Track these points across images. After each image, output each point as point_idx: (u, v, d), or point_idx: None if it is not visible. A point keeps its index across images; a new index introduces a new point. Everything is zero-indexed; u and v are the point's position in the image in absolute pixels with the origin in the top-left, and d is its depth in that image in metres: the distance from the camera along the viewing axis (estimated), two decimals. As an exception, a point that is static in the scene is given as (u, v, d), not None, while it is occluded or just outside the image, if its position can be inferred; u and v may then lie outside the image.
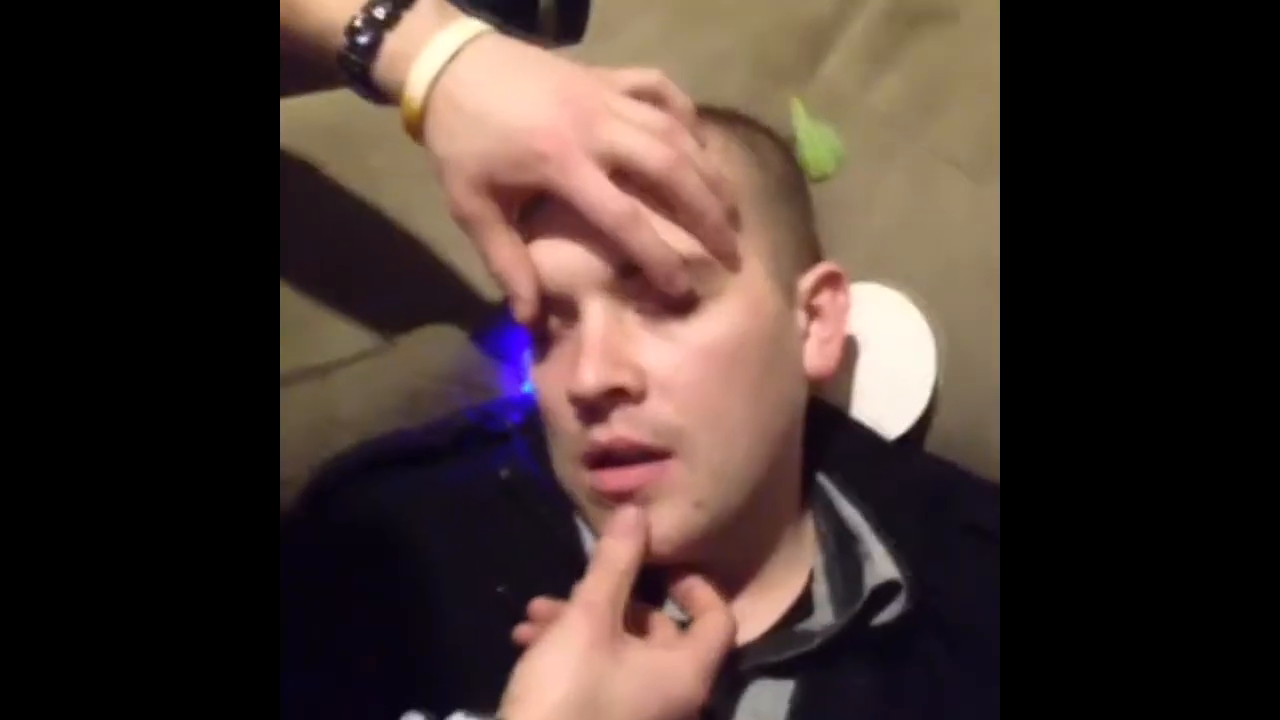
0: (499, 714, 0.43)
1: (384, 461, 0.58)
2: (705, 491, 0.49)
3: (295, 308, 0.67)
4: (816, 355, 0.54)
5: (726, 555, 0.52)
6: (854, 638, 0.51)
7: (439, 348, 0.66)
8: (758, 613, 0.53)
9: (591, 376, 0.47)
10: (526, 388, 0.63)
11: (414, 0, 0.47)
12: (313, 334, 0.66)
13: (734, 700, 0.50)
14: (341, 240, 0.69)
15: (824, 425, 0.57)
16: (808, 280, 0.54)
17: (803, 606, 0.54)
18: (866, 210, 0.63)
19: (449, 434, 0.60)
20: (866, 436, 0.59)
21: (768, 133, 0.57)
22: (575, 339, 0.49)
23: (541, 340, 0.51)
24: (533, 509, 0.54)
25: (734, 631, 0.50)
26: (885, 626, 0.51)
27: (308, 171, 0.70)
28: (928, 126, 0.64)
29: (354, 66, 0.48)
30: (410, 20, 0.47)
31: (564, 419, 0.50)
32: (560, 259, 0.49)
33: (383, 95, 0.49)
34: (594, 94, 0.47)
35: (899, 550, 0.52)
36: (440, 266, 0.69)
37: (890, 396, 0.59)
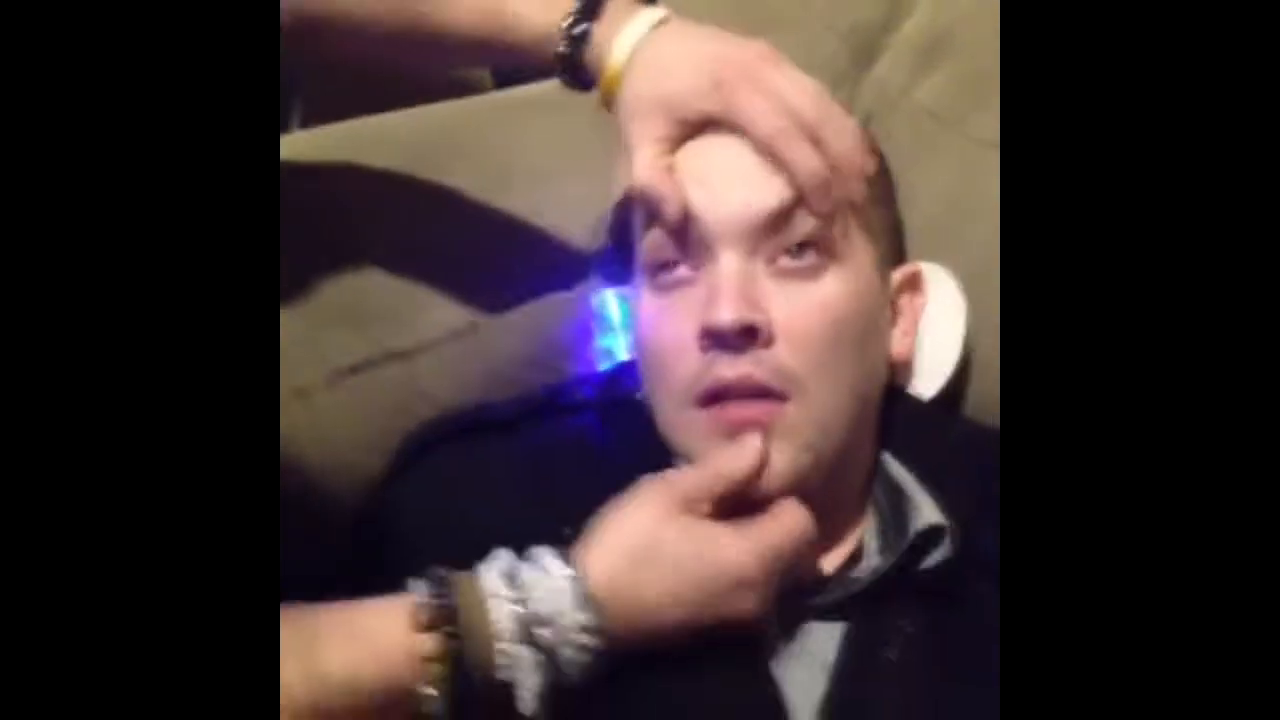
0: (573, 552, 0.50)
1: (467, 429, 0.63)
2: (813, 435, 0.54)
3: (385, 297, 0.73)
4: (899, 343, 0.59)
5: (812, 505, 0.55)
6: (902, 581, 0.54)
7: (516, 333, 0.72)
8: (819, 563, 0.57)
9: (730, 312, 0.52)
10: (601, 365, 0.68)
11: (610, 1, 0.56)
12: (401, 320, 0.73)
13: (789, 640, 0.54)
14: (426, 238, 0.75)
15: (885, 399, 0.60)
16: (896, 277, 0.60)
17: (856, 559, 0.57)
18: (914, 199, 0.67)
19: (526, 406, 0.65)
20: (916, 404, 0.62)
21: (873, 143, 0.62)
22: (705, 283, 0.54)
23: (665, 280, 0.56)
24: (610, 460, 0.58)
25: (806, 529, 0.53)
26: (933, 571, 0.54)
27: (393, 180, 0.77)
28: (972, 116, 0.68)
29: (568, 58, 0.56)
30: (611, 10, 0.56)
31: (685, 357, 0.54)
32: (711, 200, 0.54)
33: (587, 77, 0.57)
34: (767, 53, 0.55)
35: (944, 501, 0.55)
36: (516, 262, 0.74)
37: (926, 360, 0.62)
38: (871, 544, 0.58)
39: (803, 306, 0.54)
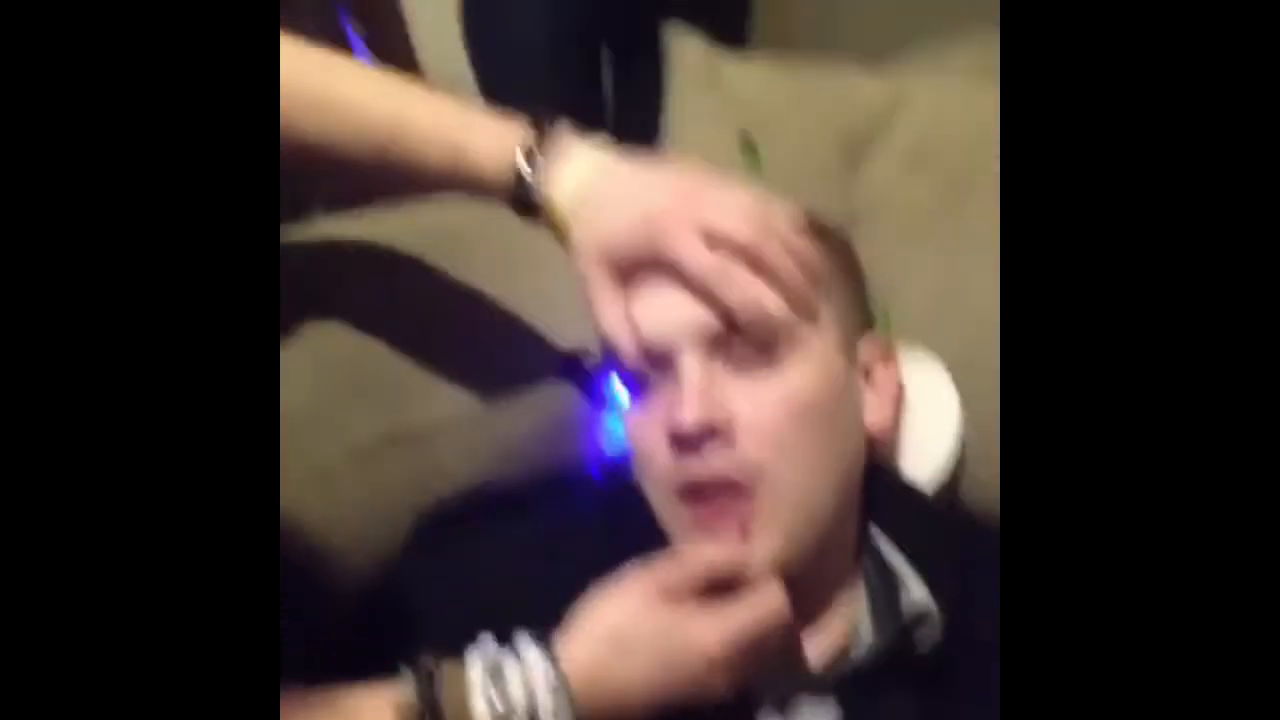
0: (552, 642, 0.53)
1: (477, 508, 0.67)
2: (790, 522, 0.56)
3: (405, 377, 0.77)
4: (873, 415, 0.62)
5: (798, 589, 0.57)
6: (894, 665, 0.57)
7: (528, 414, 0.76)
8: (812, 643, 0.59)
9: (690, 415, 0.55)
10: (606, 448, 0.72)
11: (553, 138, 0.59)
12: (420, 399, 0.77)
13: (784, 719, 0.57)
14: (442, 321, 0.80)
15: (870, 476, 0.63)
16: (865, 351, 0.62)
17: (849, 638, 0.59)
18: (901, 293, 0.71)
19: (535, 486, 0.69)
20: (908, 489, 0.65)
21: (826, 222, 0.66)
22: (671, 388, 0.57)
23: (639, 390, 0.59)
24: (613, 544, 0.60)
25: (779, 610, 0.55)
26: (924, 656, 0.57)
27: (412, 266, 0.82)
28: (954, 216, 0.73)
29: (520, 196, 0.60)
30: (553, 153, 0.59)
31: (659, 456, 0.57)
32: (662, 317, 0.57)
33: (537, 213, 0.61)
34: (696, 188, 0.58)
35: (931, 583, 0.58)
36: (531, 346, 0.79)
37: (920, 449, 0.66)
38: (865, 622, 0.60)
39: (764, 399, 0.56)
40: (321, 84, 0.63)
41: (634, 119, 0.69)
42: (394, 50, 1.46)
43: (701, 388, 0.56)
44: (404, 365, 0.77)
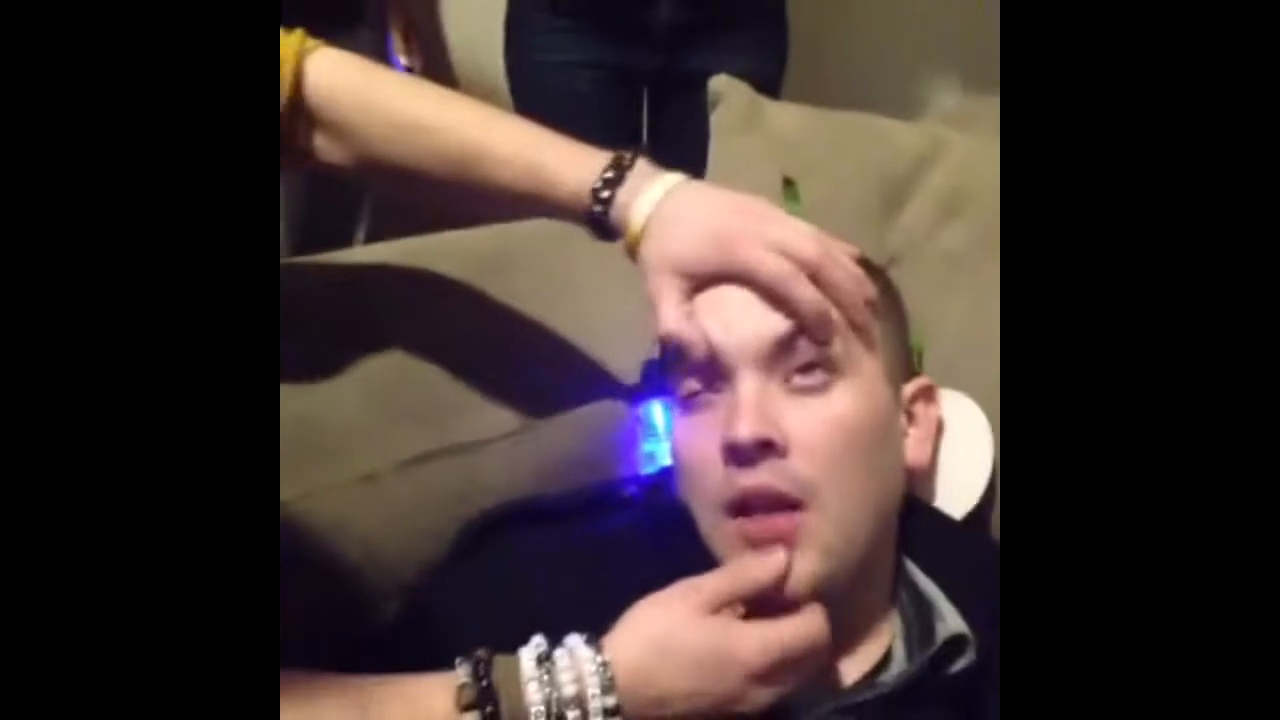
0: (601, 641, 0.55)
1: (523, 519, 0.69)
2: (834, 541, 0.58)
3: (450, 396, 0.80)
4: (914, 450, 0.65)
5: (836, 612, 0.58)
6: (927, 686, 0.58)
7: (568, 434, 0.78)
8: (848, 666, 0.61)
9: (748, 428, 0.57)
10: (644, 468, 0.75)
11: (633, 165, 0.64)
12: (464, 418, 0.79)
13: None
14: (486, 342, 0.83)
15: (906, 510, 0.65)
16: (908, 389, 0.65)
17: (884, 664, 0.62)
18: (936, 334, 0.75)
19: (577, 500, 0.71)
20: (943, 520, 0.67)
21: (873, 262, 0.69)
22: (726, 403, 0.59)
23: (693, 404, 0.62)
24: (652, 558, 0.62)
25: (821, 632, 0.57)
26: (955, 677, 0.58)
27: (457, 289, 0.85)
28: (986, 262, 0.76)
29: (597, 216, 0.64)
30: (633, 177, 0.63)
31: (711, 469, 0.59)
32: (723, 331, 0.60)
33: (610, 231, 0.65)
34: (765, 210, 0.62)
35: (968, 616, 0.60)
36: (571, 368, 0.82)
37: (954, 483, 0.68)
38: (899, 650, 0.62)
39: (815, 420, 0.59)
40: (409, 109, 0.68)
41: (672, 161, 0.73)
42: (436, 80, 1.52)
43: (758, 402, 0.58)
44: (449, 385, 0.80)
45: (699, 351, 0.60)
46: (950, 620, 0.59)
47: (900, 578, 0.64)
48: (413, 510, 0.76)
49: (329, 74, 0.69)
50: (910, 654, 0.61)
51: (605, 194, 0.63)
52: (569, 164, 0.64)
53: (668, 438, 0.73)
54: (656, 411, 0.75)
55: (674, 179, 0.64)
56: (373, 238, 1.24)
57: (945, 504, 0.68)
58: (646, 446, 0.76)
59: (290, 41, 0.69)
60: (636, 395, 0.78)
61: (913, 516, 0.65)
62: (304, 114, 0.69)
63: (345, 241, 1.20)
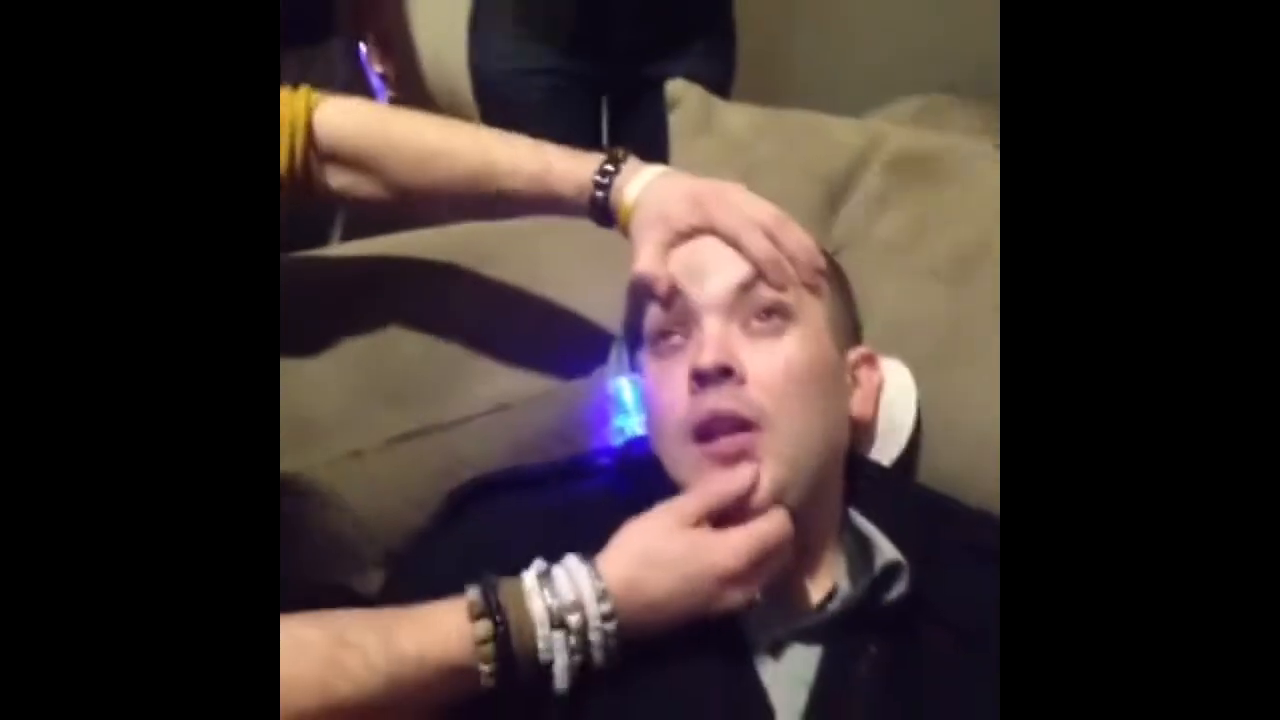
0: (594, 558, 0.63)
1: (506, 484, 0.76)
2: (789, 456, 0.66)
3: (429, 377, 0.87)
4: (858, 405, 0.74)
5: (794, 538, 0.66)
6: (868, 614, 0.66)
7: (543, 411, 0.86)
8: (802, 596, 0.69)
9: (710, 356, 0.66)
10: (617, 441, 0.82)
11: (625, 159, 0.76)
12: (444, 399, 0.86)
13: (775, 662, 0.66)
14: (464, 327, 0.89)
15: (848, 463, 0.73)
16: (852, 355, 0.74)
17: (831, 597, 0.69)
18: (869, 311, 0.83)
19: (553, 469, 0.78)
20: (876, 468, 0.75)
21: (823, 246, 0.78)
22: (692, 347, 0.68)
23: (664, 349, 0.70)
24: (625, 510, 0.68)
25: (785, 527, 0.65)
26: (893, 605, 0.66)
27: (435, 278, 0.91)
28: (917, 249, 0.85)
29: (598, 202, 0.75)
30: (625, 171, 0.75)
31: (679, 401, 0.68)
32: (694, 276, 0.70)
33: (607, 215, 0.76)
34: (731, 185, 0.74)
35: (902, 548, 0.67)
36: (540, 350, 0.89)
37: (886, 435, 0.77)
38: (844, 584, 0.70)
39: (769, 357, 0.67)
40: (425, 139, 0.80)
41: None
42: (408, 88, 1.58)
43: (720, 339, 0.67)
44: (431, 367, 0.87)
45: (663, 285, 0.69)
46: (886, 551, 0.67)
47: (845, 523, 0.72)
48: (398, 484, 0.82)
49: (346, 119, 0.80)
50: (854, 582, 0.69)
51: (604, 183, 0.75)
52: (568, 166, 0.76)
53: (636, 413, 0.81)
54: (626, 389, 0.82)
55: (659, 168, 0.76)
56: (347, 238, 1.29)
57: (877, 453, 0.77)
58: (617, 421, 0.83)
59: (297, 99, 0.79)
60: (607, 373, 0.85)
61: (854, 470, 0.74)
62: (325, 160, 0.80)
63: (321, 241, 1.26)
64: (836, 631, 0.66)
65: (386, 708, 0.60)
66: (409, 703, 0.61)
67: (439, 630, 0.61)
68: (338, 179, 0.80)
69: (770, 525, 0.65)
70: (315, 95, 0.80)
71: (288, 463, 0.76)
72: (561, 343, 0.89)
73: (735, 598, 0.63)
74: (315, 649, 0.60)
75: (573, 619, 0.61)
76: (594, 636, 0.61)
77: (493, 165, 0.77)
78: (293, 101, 0.79)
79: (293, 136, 0.78)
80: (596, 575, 0.62)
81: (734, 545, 0.63)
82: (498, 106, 1.43)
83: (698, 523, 0.64)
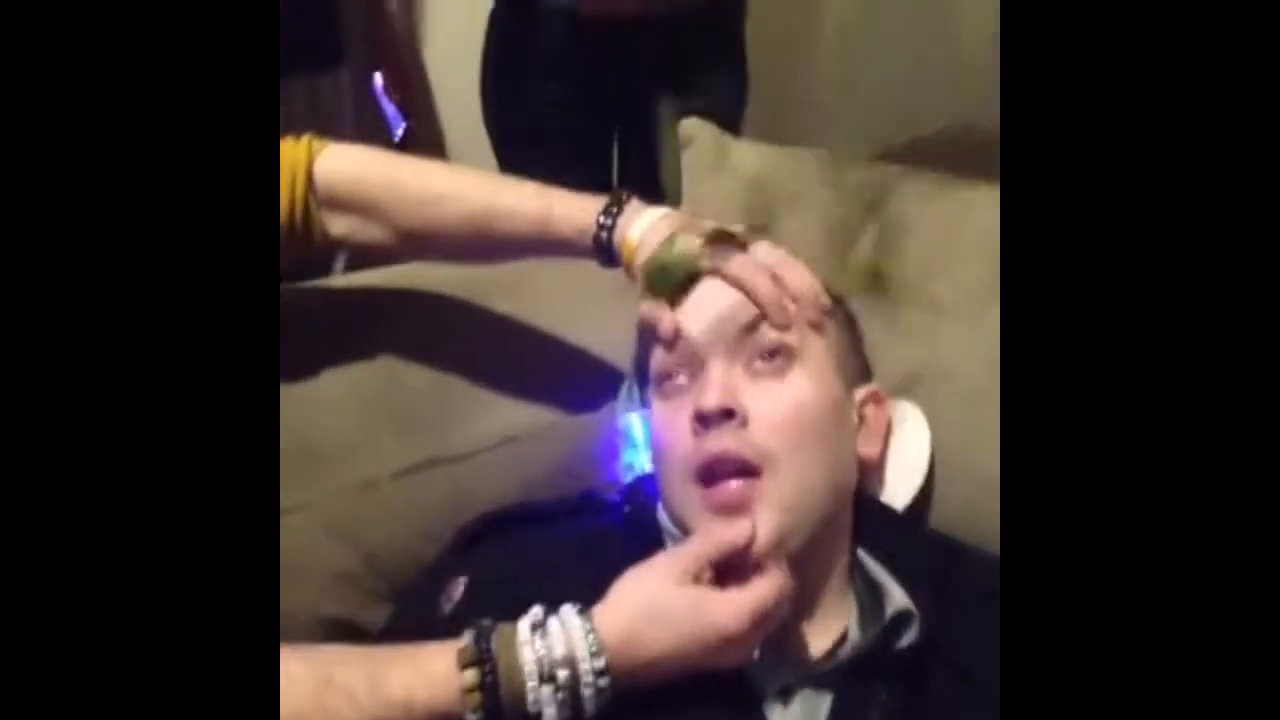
0: (591, 610, 0.62)
1: (517, 518, 0.76)
2: (791, 503, 0.66)
3: (437, 411, 0.87)
4: (865, 445, 0.73)
5: (798, 584, 0.65)
6: (879, 660, 0.65)
7: (552, 446, 0.85)
8: (810, 641, 0.68)
9: (714, 398, 0.66)
10: (626, 477, 0.82)
11: (628, 201, 0.76)
12: (453, 430, 0.86)
13: (784, 709, 0.65)
14: (475, 361, 0.89)
15: (857, 505, 0.73)
16: (860, 392, 0.74)
17: (842, 643, 0.68)
18: (887, 350, 0.83)
19: (563, 504, 0.78)
20: (889, 512, 0.75)
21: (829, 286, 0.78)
22: (696, 388, 0.68)
23: (669, 390, 0.70)
24: (635, 543, 0.69)
25: (787, 593, 0.63)
26: (904, 653, 0.65)
27: (444, 312, 0.92)
28: (928, 286, 0.85)
29: (601, 243, 0.76)
30: (628, 211, 0.76)
31: (682, 440, 0.67)
32: (699, 318, 0.69)
33: (611, 256, 0.76)
34: (736, 228, 0.74)
35: (913, 595, 0.67)
36: (554, 385, 0.89)
37: (898, 479, 0.76)
38: (855, 630, 0.69)
39: (773, 398, 0.67)
40: (430, 182, 0.81)
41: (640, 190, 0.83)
42: (423, 118, 1.58)
43: (724, 380, 0.67)
44: (439, 400, 0.87)
45: (666, 328, 0.69)
46: (898, 598, 0.67)
47: (855, 566, 0.72)
48: (405, 516, 0.82)
49: (349, 165, 0.81)
50: (864, 628, 0.69)
51: (607, 224, 0.75)
52: (571, 208, 0.77)
53: (646, 449, 0.81)
54: (635, 424, 0.82)
55: (661, 210, 0.76)
56: (351, 269, 1.30)
57: (889, 497, 0.76)
58: (627, 457, 0.83)
59: (298, 148, 0.80)
60: (616, 409, 0.85)
61: (862, 510, 0.73)
62: (326, 207, 0.80)
63: (325, 272, 1.26)
64: (846, 678, 0.65)
65: None
66: None
67: (428, 675, 0.60)
68: (338, 225, 0.80)
69: (771, 585, 0.63)
70: (317, 143, 0.81)
71: (292, 494, 0.76)
72: (568, 376, 0.89)
73: (735, 657, 0.63)
74: (302, 687, 0.59)
75: (563, 674, 0.60)
76: (586, 691, 0.60)
77: (493, 208, 0.78)
78: (294, 151, 0.80)
79: (293, 187, 0.79)
80: (592, 629, 0.61)
81: (736, 607, 0.62)
82: (509, 137, 1.44)
83: (698, 575, 0.63)
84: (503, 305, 0.92)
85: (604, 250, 0.75)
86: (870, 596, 0.70)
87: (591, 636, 0.60)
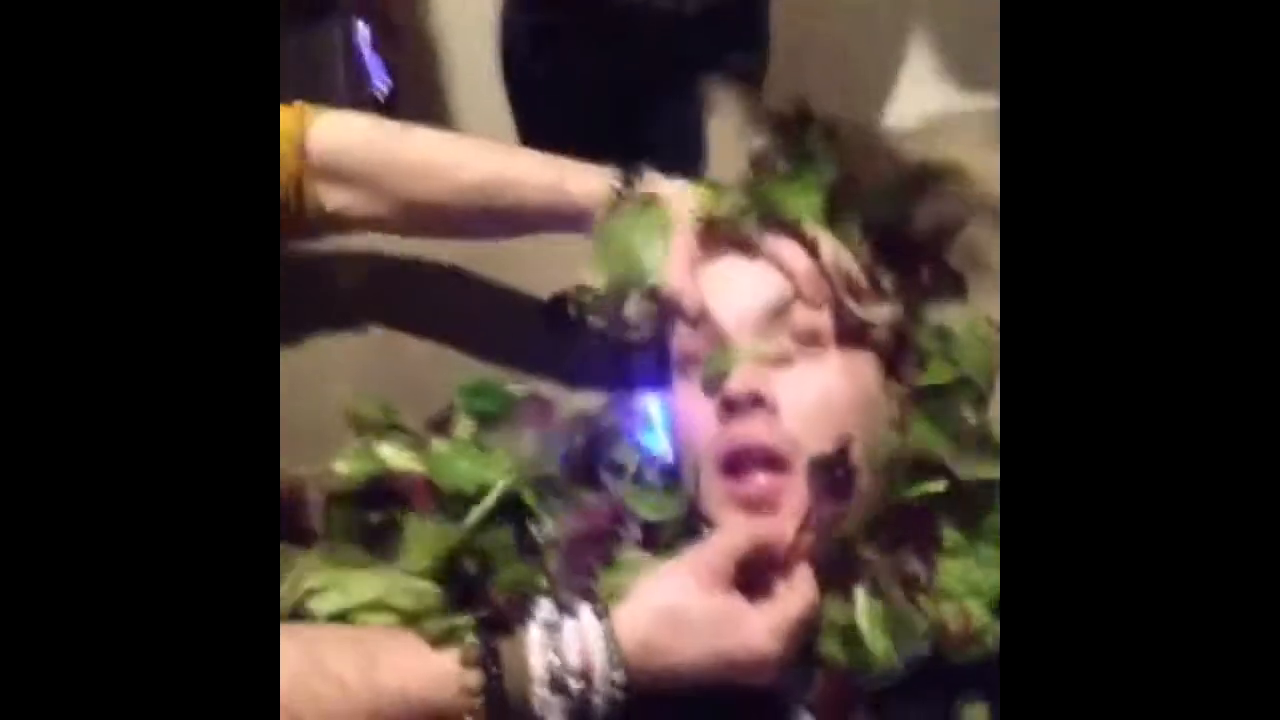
0: (611, 613, 0.57)
1: None
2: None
3: (440, 379, 0.81)
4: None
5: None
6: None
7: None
8: None
9: (741, 382, 0.62)
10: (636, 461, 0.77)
11: (643, 172, 0.72)
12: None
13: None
14: (482, 325, 0.85)
15: None
16: (901, 385, 0.69)
17: None
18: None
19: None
20: None
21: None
22: (724, 373, 0.63)
23: (692, 371, 0.66)
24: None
25: (813, 597, 0.60)
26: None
27: (445, 280, 0.86)
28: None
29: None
30: (646, 181, 0.71)
31: (706, 427, 0.63)
32: (725, 301, 0.65)
33: None
34: None
35: None
36: (556, 358, 0.82)
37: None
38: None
39: (803, 385, 0.63)
40: (429, 151, 0.74)
41: (668, 160, 0.78)
42: (417, 77, 1.52)
43: (753, 365, 0.63)
44: (437, 371, 0.83)
45: (693, 304, 0.64)
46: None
47: None
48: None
49: (346, 134, 0.75)
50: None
51: (625, 193, 0.70)
52: (585, 176, 0.72)
53: (665, 432, 0.76)
54: (653, 407, 0.77)
55: (680, 181, 0.71)
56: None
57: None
58: (644, 440, 0.78)
59: (290, 115, 0.74)
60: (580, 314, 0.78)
61: None
62: (320, 178, 0.74)
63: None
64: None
65: None
66: None
67: (427, 667, 0.56)
68: (334, 199, 0.75)
69: (803, 596, 0.60)
70: (311, 111, 0.75)
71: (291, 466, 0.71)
72: (570, 350, 0.83)
73: (764, 677, 0.59)
74: (290, 669, 0.55)
75: (576, 685, 0.56)
76: (599, 702, 0.56)
77: (504, 176, 0.73)
78: (286, 119, 0.74)
79: (285, 156, 0.73)
80: (612, 638, 0.56)
81: (770, 624, 0.58)
82: (533, 102, 1.38)
83: (726, 580, 0.59)
84: (503, 272, 0.87)
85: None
86: None
87: (611, 646, 0.56)
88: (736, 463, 0.63)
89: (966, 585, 0.62)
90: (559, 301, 0.76)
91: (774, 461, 0.62)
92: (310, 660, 0.56)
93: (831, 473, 0.62)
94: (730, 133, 0.89)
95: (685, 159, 0.91)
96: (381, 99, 1.45)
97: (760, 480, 0.62)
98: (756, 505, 0.62)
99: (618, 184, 0.71)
